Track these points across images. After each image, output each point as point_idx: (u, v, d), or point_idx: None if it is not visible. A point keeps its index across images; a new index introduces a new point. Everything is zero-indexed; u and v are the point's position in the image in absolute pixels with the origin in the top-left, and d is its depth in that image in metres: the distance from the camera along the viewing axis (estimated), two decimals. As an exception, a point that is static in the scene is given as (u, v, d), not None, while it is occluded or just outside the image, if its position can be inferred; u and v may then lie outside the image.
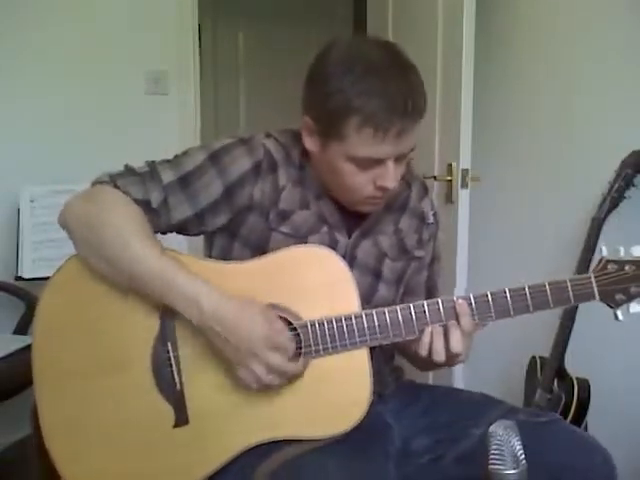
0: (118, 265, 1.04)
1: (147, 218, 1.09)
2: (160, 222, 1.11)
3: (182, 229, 1.15)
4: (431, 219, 1.30)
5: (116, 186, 1.09)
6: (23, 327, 2.14)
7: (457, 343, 1.07)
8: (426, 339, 1.08)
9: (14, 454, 1.90)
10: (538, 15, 2.24)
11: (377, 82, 1.03)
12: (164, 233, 1.15)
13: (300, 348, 1.06)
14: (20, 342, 1.85)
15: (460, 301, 1.08)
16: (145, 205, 1.09)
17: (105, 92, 2.51)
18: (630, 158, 1.76)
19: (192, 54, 2.67)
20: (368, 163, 1.08)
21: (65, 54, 2.46)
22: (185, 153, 1.16)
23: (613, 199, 1.75)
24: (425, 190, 1.32)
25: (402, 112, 1.04)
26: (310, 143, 1.13)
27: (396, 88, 1.04)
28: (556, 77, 2.12)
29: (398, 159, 1.10)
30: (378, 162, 1.08)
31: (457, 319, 1.08)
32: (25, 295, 2.18)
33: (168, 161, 1.15)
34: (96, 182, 1.12)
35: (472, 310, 1.08)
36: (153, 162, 1.14)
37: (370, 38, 1.19)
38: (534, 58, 2.25)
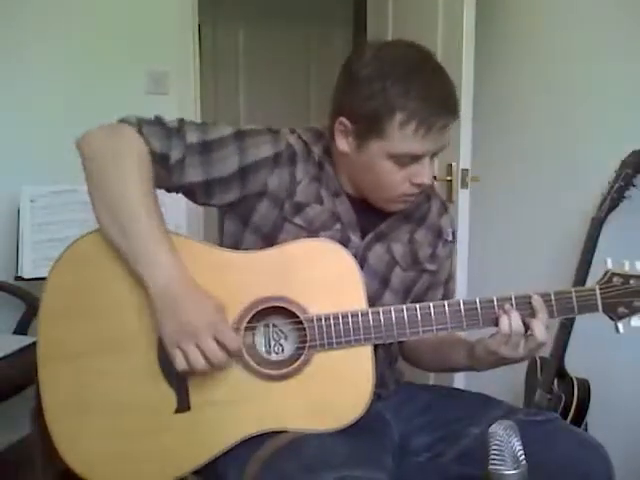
0: (112, 212, 1.04)
1: (160, 172, 1.10)
2: (171, 179, 1.12)
3: (189, 193, 1.16)
4: (450, 237, 1.30)
5: (140, 132, 1.09)
6: (23, 327, 2.14)
7: (541, 332, 1.08)
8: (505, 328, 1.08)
9: (14, 454, 1.90)
10: (538, 14, 2.24)
11: (419, 81, 1.07)
12: (169, 191, 1.16)
13: (305, 341, 1.07)
14: (20, 342, 1.84)
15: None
16: (162, 159, 1.10)
17: (105, 92, 2.49)
18: (630, 158, 1.76)
19: (192, 54, 2.67)
20: (407, 160, 1.10)
21: (65, 54, 2.46)
22: (215, 123, 1.18)
23: (613, 199, 1.75)
24: (445, 208, 1.32)
25: (443, 109, 1.09)
26: (344, 144, 1.14)
27: (436, 87, 1.09)
28: (556, 76, 2.12)
29: (433, 156, 1.13)
30: (416, 159, 1.10)
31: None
32: (25, 295, 2.17)
33: (197, 124, 1.16)
34: (123, 121, 1.12)
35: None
36: (183, 120, 1.15)
37: (397, 41, 1.21)
38: (534, 58, 2.25)
